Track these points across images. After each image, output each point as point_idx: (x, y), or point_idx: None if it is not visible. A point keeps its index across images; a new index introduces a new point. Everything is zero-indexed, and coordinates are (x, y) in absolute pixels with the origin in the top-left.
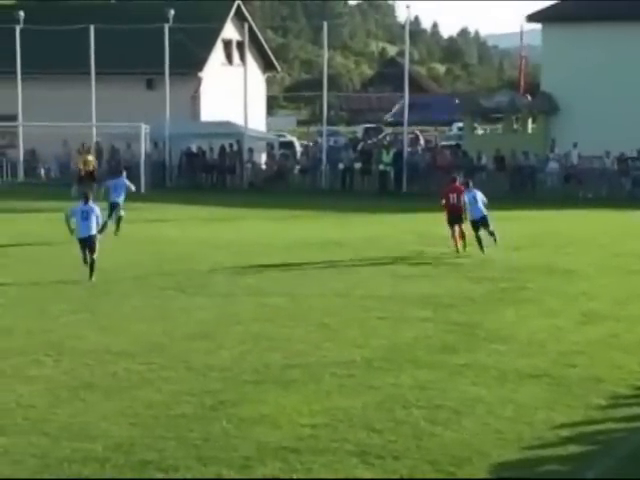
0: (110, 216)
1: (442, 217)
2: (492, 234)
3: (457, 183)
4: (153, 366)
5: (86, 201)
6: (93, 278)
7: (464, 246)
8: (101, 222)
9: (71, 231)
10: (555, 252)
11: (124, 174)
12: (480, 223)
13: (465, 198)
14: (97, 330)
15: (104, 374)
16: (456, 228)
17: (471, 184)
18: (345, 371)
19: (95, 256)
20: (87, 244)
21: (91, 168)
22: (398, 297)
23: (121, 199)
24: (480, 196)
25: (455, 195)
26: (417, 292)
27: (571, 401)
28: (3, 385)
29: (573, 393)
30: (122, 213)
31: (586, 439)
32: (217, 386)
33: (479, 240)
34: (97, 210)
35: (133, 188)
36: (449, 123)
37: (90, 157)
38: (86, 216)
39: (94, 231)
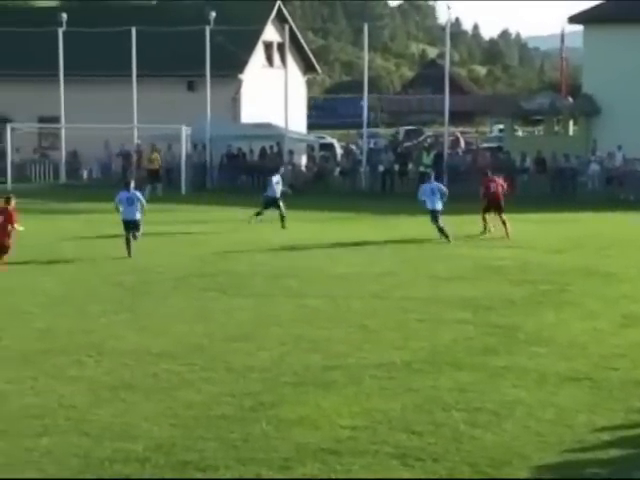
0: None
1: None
2: (442, 230)
3: (490, 176)
4: (193, 367)
5: (128, 188)
6: (132, 253)
7: (506, 234)
8: (145, 205)
9: (120, 214)
10: (596, 255)
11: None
12: (438, 213)
13: (420, 191)
14: (137, 331)
15: (144, 375)
16: (493, 215)
17: (432, 177)
18: (385, 373)
19: (138, 234)
20: (132, 226)
21: (156, 167)
22: (437, 299)
23: (138, 215)
24: (438, 188)
25: (495, 184)
26: (456, 294)
27: (612, 404)
28: (45, 385)
29: (614, 396)
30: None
31: (627, 442)
32: (257, 387)
33: (441, 230)
34: (140, 196)
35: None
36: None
37: (155, 155)
38: (131, 202)
39: (138, 215)
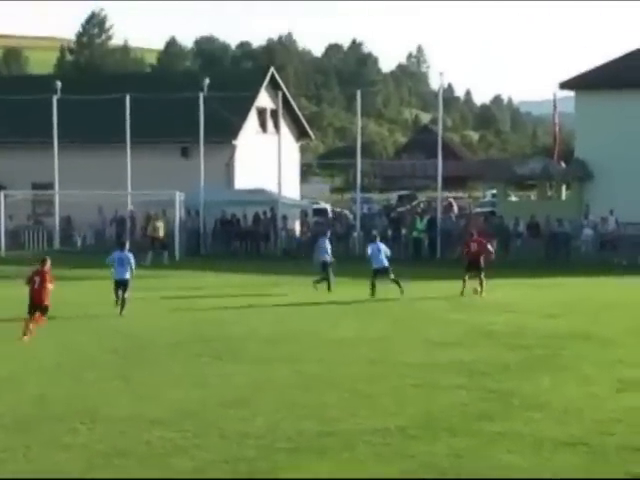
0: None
1: (475, 283)
2: (397, 282)
3: (474, 237)
4: (187, 434)
5: (122, 249)
6: (123, 312)
7: (480, 292)
8: (134, 268)
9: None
10: (590, 319)
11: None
12: (382, 272)
13: (369, 249)
14: (131, 397)
15: (138, 442)
16: (473, 274)
17: (377, 238)
18: (380, 439)
19: (127, 295)
20: (121, 285)
21: (161, 235)
22: (432, 364)
23: (127, 275)
24: (384, 248)
25: (475, 244)
26: (451, 359)
27: (609, 470)
28: (38, 453)
29: (611, 462)
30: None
31: None
32: (251, 454)
33: (373, 286)
34: (131, 258)
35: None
36: None
37: (159, 223)
38: (122, 262)
39: (128, 275)
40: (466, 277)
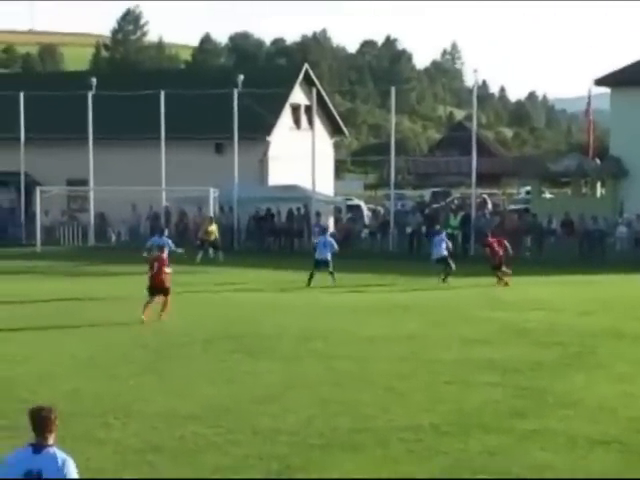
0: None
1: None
2: (332, 274)
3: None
4: (220, 430)
5: (161, 235)
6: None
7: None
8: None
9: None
10: (625, 317)
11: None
12: (322, 264)
13: (317, 240)
14: (164, 393)
15: (171, 437)
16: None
17: (327, 231)
18: (413, 436)
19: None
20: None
21: (212, 238)
22: (465, 361)
23: (329, 256)
24: (330, 242)
25: (496, 244)
26: (484, 356)
27: None
28: (72, 448)
29: None
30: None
31: None
32: (284, 450)
33: (312, 276)
34: (170, 243)
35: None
36: None
37: (212, 227)
38: (160, 248)
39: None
40: (498, 273)
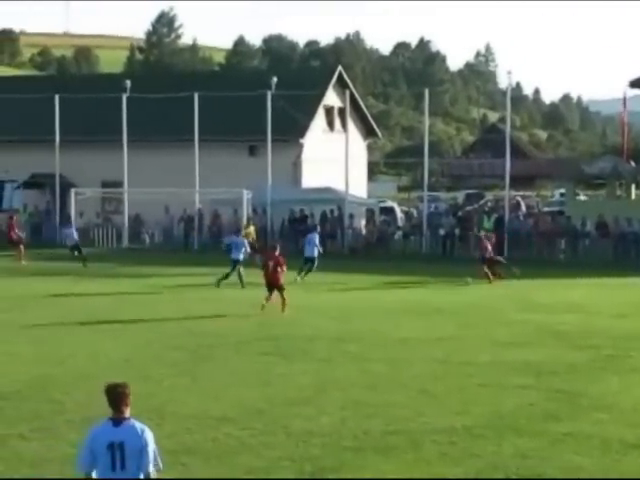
0: (232, 272)
1: (543, 283)
2: (308, 271)
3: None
4: (253, 431)
5: (237, 234)
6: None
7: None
8: (248, 251)
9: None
10: None
11: (317, 229)
12: (309, 261)
13: (306, 240)
14: (198, 395)
15: (205, 439)
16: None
17: (317, 229)
18: (446, 438)
19: (242, 272)
20: (237, 264)
21: (250, 240)
22: (499, 364)
23: (241, 256)
24: (316, 241)
25: (489, 243)
26: (518, 359)
27: None
28: None
29: None
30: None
31: None
32: (317, 452)
33: (309, 271)
34: (245, 243)
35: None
36: None
37: (250, 229)
38: (237, 246)
39: (241, 257)
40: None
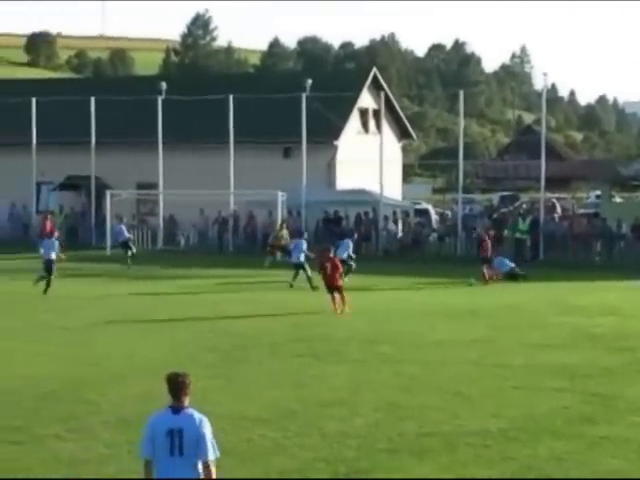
0: (297, 275)
1: (579, 285)
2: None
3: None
4: (288, 433)
5: (301, 237)
6: (294, 283)
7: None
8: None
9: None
10: None
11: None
12: (299, 267)
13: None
14: (232, 396)
15: (239, 440)
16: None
17: (353, 236)
18: (480, 441)
19: (309, 273)
20: (300, 267)
21: (283, 243)
22: (534, 367)
23: (302, 258)
24: (304, 247)
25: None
26: (553, 362)
27: None
28: None
29: None
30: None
31: None
32: (351, 454)
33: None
34: (304, 245)
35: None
36: None
37: (283, 232)
38: (299, 248)
39: (302, 258)
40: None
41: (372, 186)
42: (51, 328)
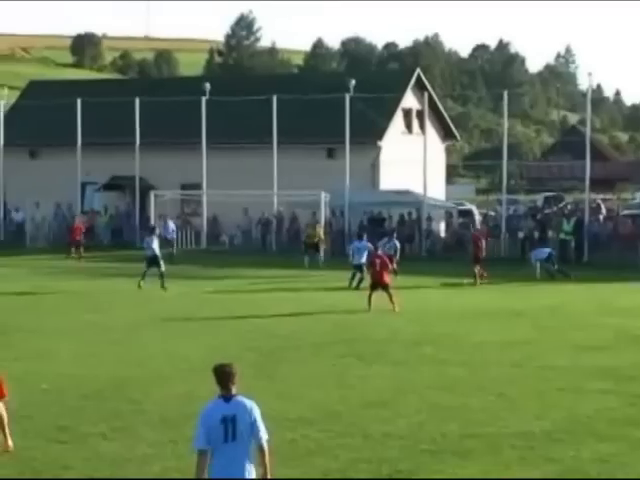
0: (355, 276)
1: (623, 287)
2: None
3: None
4: (330, 433)
5: (361, 239)
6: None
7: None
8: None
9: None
10: None
11: (364, 237)
12: (358, 268)
13: (354, 246)
14: (275, 396)
15: (282, 440)
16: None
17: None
18: (524, 442)
19: (363, 275)
20: (359, 270)
21: (315, 240)
22: (578, 368)
23: (363, 260)
24: (365, 246)
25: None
26: (597, 363)
27: None
28: (185, 449)
29: None
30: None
31: None
32: (394, 454)
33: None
34: (370, 246)
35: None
36: None
37: (317, 229)
38: (359, 251)
39: (363, 260)
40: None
41: (416, 187)
42: (97, 328)
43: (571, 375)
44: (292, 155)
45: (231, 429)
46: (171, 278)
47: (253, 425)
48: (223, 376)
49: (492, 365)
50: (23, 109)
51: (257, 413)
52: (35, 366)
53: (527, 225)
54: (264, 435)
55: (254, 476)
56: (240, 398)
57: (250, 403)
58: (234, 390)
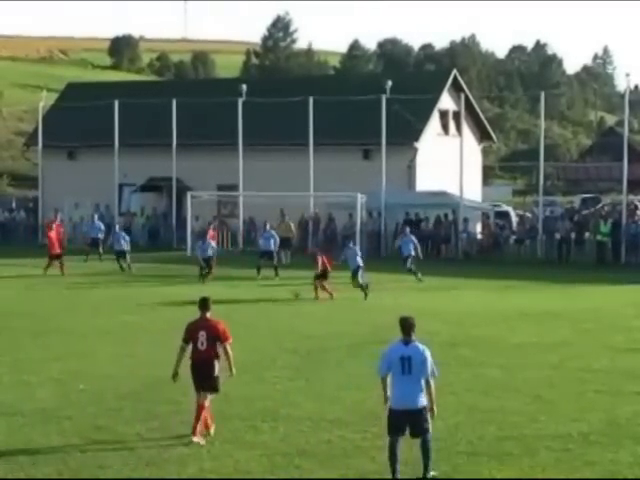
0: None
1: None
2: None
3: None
4: (367, 435)
5: (406, 236)
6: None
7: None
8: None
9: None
10: None
11: (351, 242)
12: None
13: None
14: (312, 397)
15: (318, 442)
16: None
17: (408, 231)
18: (561, 445)
19: (362, 281)
20: (407, 259)
21: (290, 235)
22: (616, 371)
23: (361, 264)
24: (413, 240)
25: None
26: (636, 366)
27: None
28: (221, 450)
29: None
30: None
31: None
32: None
33: (409, 270)
34: (415, 240)
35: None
36: None
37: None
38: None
39: (413, 252)
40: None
41: (452, 188)
42: (133, 329)
43: (609, 377)
44: (328, 156)
45: (407, 365)
46: (208, 280)
47: (424, 363)
48: (406, 325)
49: (529, 367)
50: (62, 111)
51: (428, 355)
52: (73, 367)
53: (564, 227)
54: (431, 372)
55: (424, 403)
56: (416, 343)
57: (423, 347)
58: (413, 337)
